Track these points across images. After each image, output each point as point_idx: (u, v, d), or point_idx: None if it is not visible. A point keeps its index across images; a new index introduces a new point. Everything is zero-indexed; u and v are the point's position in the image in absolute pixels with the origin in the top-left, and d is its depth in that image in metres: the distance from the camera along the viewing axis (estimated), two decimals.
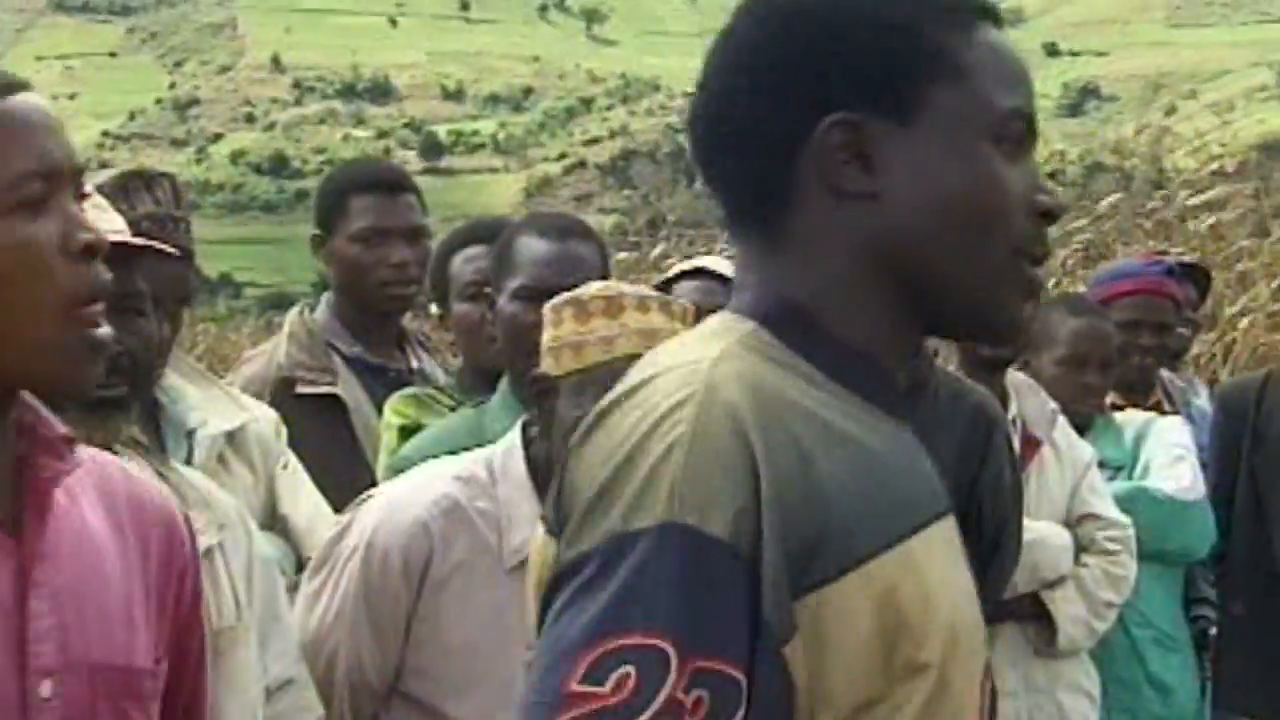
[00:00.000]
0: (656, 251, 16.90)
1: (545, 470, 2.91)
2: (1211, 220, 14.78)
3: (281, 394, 4.11)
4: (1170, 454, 4.80)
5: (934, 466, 1.78)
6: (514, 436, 3.00)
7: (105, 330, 1.87)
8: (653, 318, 2.86)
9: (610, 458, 1.59)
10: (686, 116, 1.82)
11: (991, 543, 4.09)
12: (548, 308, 2.96)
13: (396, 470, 3.35)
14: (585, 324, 2.85)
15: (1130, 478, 4.78)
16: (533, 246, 3.58)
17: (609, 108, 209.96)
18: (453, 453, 3.08)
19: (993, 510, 4.06)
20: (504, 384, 3.60)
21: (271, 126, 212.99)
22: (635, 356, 2.81)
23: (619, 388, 1.71)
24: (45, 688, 1.84)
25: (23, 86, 1.90)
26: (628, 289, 2.94)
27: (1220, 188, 16.23)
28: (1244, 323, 12.32)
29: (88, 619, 1.90)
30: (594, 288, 2.93)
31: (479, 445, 3.09)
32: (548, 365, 2.90)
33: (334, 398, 4.21)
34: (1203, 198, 14.91)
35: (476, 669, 2.89)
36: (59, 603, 1.87)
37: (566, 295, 2.93)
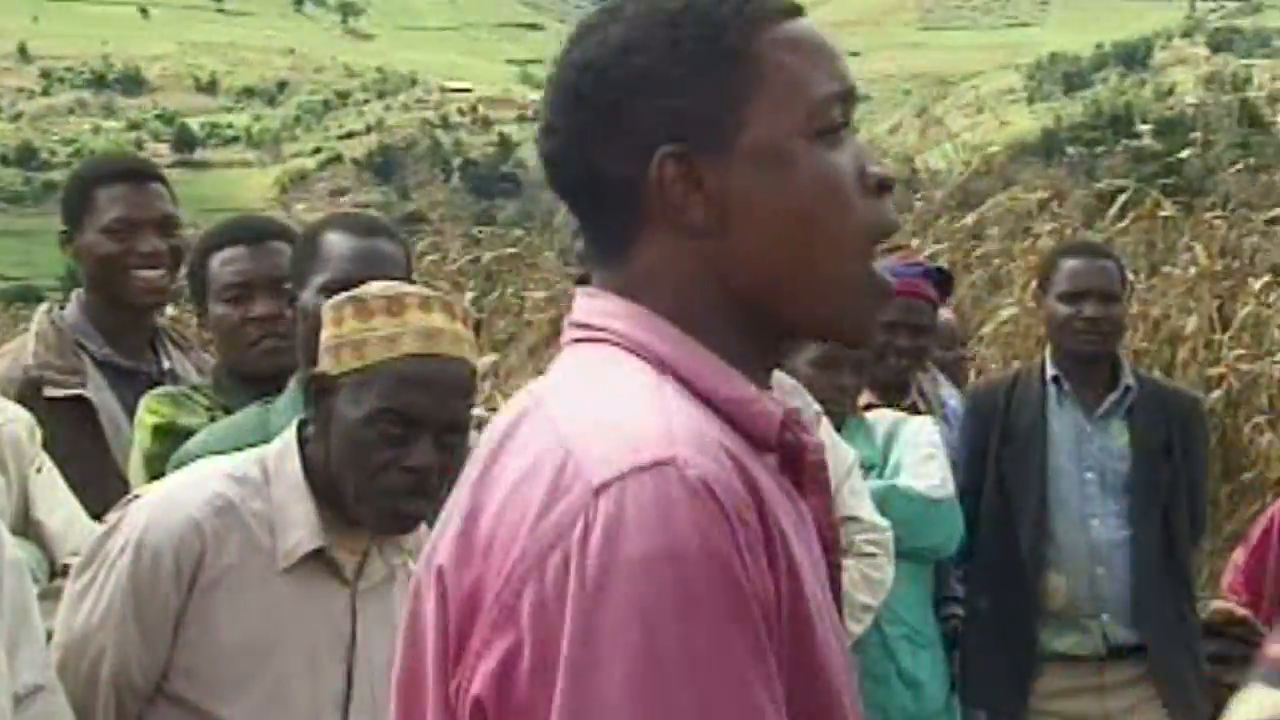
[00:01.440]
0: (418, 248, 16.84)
1: (321, 471, 2.90)
2: (966, 220, 15.04)
3: (29, 396, 4.00)
4: (920, 453, 4.88)
5: None
6: (289, 435, 2.98)
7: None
8: (434, 317, 2.87)
9: None
10: None
11: None
12: (328, 306, 2.95)
13: (180, 465, 3.29)
14: (367, 322, 2.85)
15: (881, 477, 4.85)
16: (340, 243, 3.54)
17: (365, 102, 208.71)
18: (239, 449, 3.05)
19: None
20: (294, 382, 3.56)
21: (18, 117, 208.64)
22: (417, 356, 2.83)
23: None
24: None
25: (801, 10, 1.80)
26: (409, 288, 2.95)
27: (974, 188, 16.50)
28: (1004, 319, 12.54)
29: None
30: (375, 287, 2.93)
31: (265, 443, 3.06)
32: (327, 364, 2.89)
33: (83, 400, 4.12)
34: (961, 197, 15.15)
35: (246, 671, 2.86)
36: None
37: (346, 294, 2.93)
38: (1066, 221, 14.40)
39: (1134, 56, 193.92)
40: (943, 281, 5.73)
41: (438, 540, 1.69)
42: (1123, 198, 14.76)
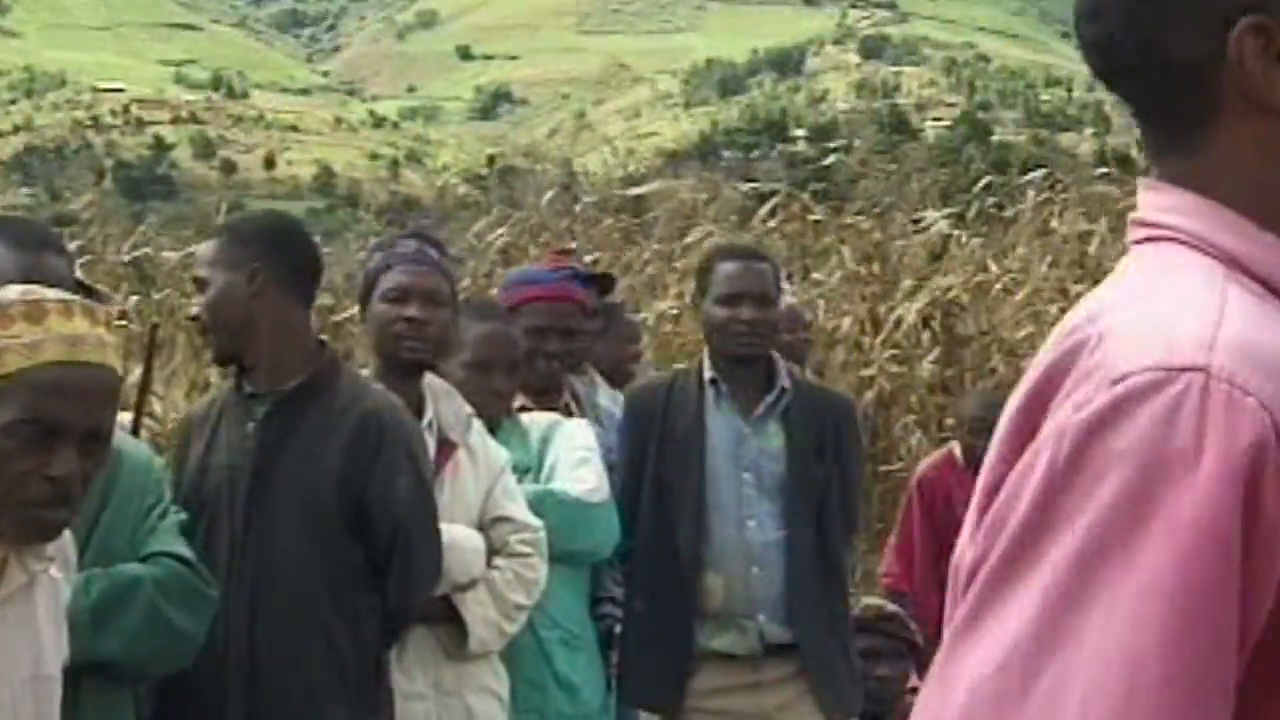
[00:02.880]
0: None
1: None
2: (623, 224, 15.15)
3: None
4: (575, 456, 4.90)
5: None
6: None
7: None
8: (77, 323, 2.81)
9: None
10: None
11: (386, 549, 4.10)
12: None
13: None
14: (7, 329, 2.77)
15: (537, 480, 4.85)
16: (5, 256, 3.48)
17: (12, 101, 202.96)
18: None
19: (384, 518, 4.08)
20: None
21: None
22: (59, 364, 2.76)
23: None
24: None
25: None
26: (50, 293, 2.87)
27: (632, 192, 16.65)
28: (662, 321, 12.66)
29: None
30: (14, 291, 2.85)
31: None
32: None
33: None
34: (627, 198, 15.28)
35: None
36: None
37: None
38: (722, 225, 14.60)
39: (788, 63, 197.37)
40: (598, 283, 5.77)
41: None
42: (772, 201, 15.01)
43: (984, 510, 1.51)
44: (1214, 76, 1.54)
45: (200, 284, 4.22)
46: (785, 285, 9.01)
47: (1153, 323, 1.47)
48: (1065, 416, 1.44)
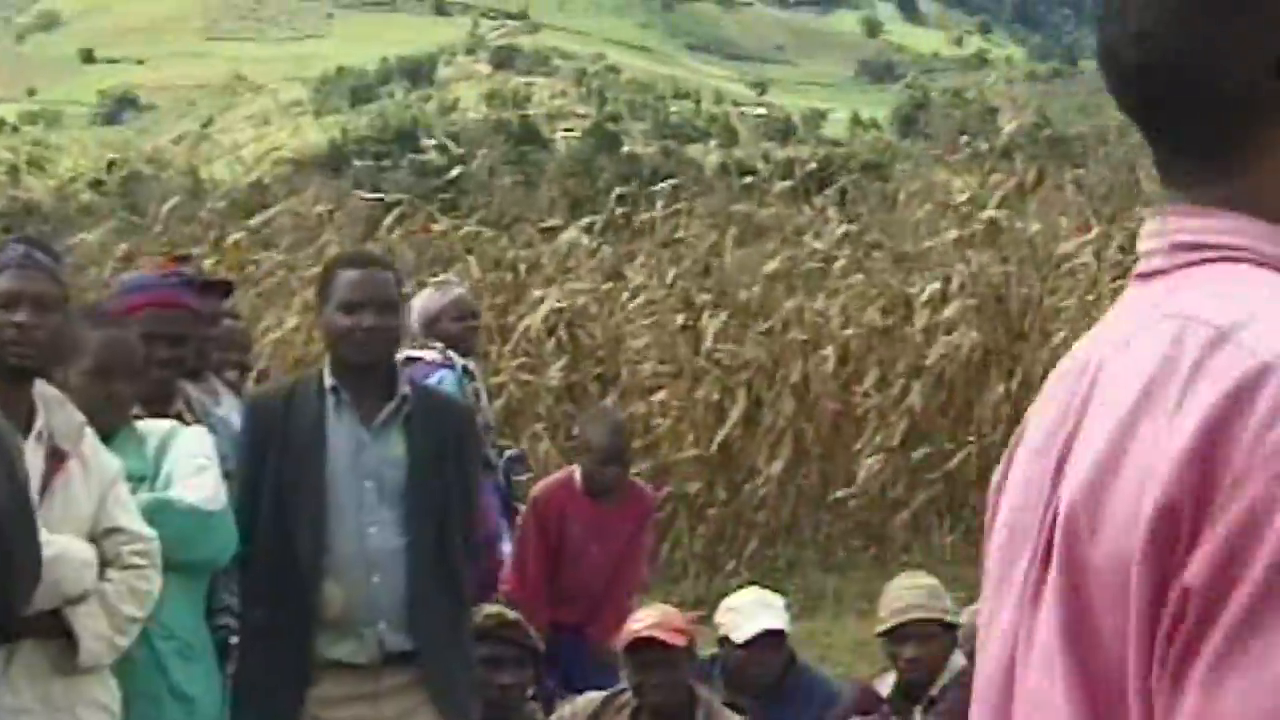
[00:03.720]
0: None
1: None
2: (250, 231, 14.98)
3: None
4: (192, 464, 4.83)
5: None
6: None
7: None
8: None
9: None
10: None
11: None
12: None
13: None
14: None
15: (153, 488, 4.78)
16: None
17: None
18: None
19: None
20: None
21: None
22: None
23: None
24: None
25: None
26: None
27: (258, 200, 16.46)
28: (278, 334, 12.54)
29: None
30: None
31: None
32: None
33: None
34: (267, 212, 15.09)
35: None
36: None
37: None
38: (347, 233, 14.54)
39: (419, 72, 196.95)
40: (215, 289, 5.71)
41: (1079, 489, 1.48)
42: (396, 210, 14.99)
43: (1159, 535, 1.42)
44: (1259, 101, 1.54)
45: None
46: (453, 278, 9.11)
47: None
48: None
